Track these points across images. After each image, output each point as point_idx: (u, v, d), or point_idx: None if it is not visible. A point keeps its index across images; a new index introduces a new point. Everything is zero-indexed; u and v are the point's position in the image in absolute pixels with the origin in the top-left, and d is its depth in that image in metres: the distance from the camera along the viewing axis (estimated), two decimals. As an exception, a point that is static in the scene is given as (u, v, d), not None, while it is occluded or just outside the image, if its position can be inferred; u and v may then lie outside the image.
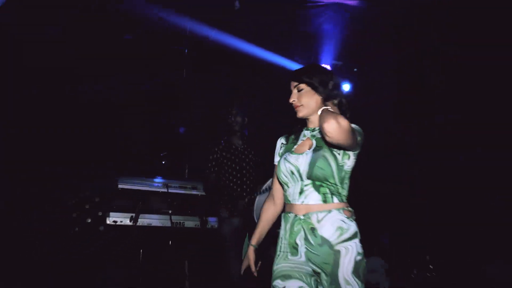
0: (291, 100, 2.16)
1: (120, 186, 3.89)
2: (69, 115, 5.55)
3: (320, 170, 2.02)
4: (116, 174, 4.03)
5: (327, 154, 2.03)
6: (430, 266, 5.13)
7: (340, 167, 2.04)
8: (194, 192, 4.20)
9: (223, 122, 4.15)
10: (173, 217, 4.17)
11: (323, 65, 2.31)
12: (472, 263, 5.08)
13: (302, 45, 6.22)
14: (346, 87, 6.87)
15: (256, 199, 3.34)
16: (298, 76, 2.15)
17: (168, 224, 4.13)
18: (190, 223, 4.31)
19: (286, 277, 2.04)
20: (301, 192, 2.06)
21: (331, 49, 6.35)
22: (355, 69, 6.73)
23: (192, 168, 5.44)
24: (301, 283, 2.02)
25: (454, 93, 5.89)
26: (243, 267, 2.32)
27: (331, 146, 2.02)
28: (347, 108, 2.13)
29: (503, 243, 4.98)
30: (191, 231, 4.41)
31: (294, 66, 6.05)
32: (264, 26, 5.76)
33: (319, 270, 1.99)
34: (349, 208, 2.08)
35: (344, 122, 1.80)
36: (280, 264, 2.08)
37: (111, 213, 4.04)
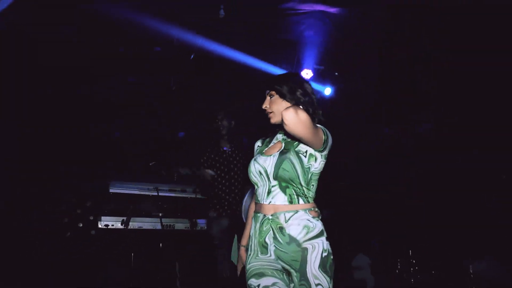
0: (263, 107, 2.25)
1: (111, 190, 3.97)
2: (58, 117, 5.59)
3: (285, 172, 2.08)
4: (108, 178, 4.10)
5: (293, 157, 2.09)
6: (412, 260, 5.25)
7: (306, 170, 2.10)
8: (184, 195, 4.30)
9: (211, 127, 4.26)
10: (163, 220, 4.28)
11: (299, 74, 2.39)
12: (459, 261, 5.22)
13: (285, 52, 6.36)
14: (327, 91, 7.04)
15: (244, 200, 3.45)
16: (270, 84, 2.25)
17: (159, 226, 4.23)
18: (180, 225, 4.43)
19: (259, 275, 2.10)
20: (269, 192, 2.13)
21: (312, 54, 6.51)
22: (336, 73, 6.89)
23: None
24: (275, 279, 2.09)
25: (445, 97, 6.07)
26: (239, 268, 2.37)
27: (294, 139, 2.12)
28: (314, 114, 2.18)
29: (494, 242, 5.11)
30: (181, 233, 4.53)
31: (277, 72, 6.18)
32: (247, 34, 5.89)
33: (287, 267, 2.05)
34: (316, 209, 2.13)
35: (302, 114, 1.89)
36: (252, 263, 2.14)
37: (102, 217, 4.12)
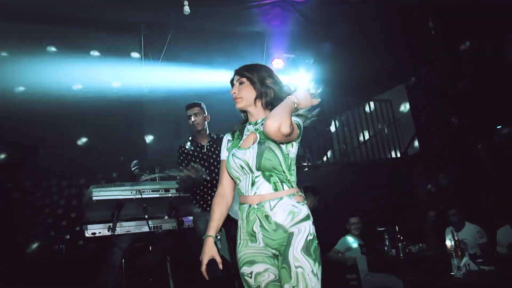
0: (232, 92, 2.32)
1: (94, 198, 3.92)
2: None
3: (268, 161, 2.13)
4: (88, 185, 4.06)
5: (272, 145, 2.15)
6: (399, 236, 5.34)
7: (285, 156, 2.16)
8: (167, 194, 4.28)
9: (187, 123, 4.23)
10: (150, 222, 4.26)
11: (267, 65, 2.43)
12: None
13: (253, 44, 6.39)
14: (306, 77, 7.09)
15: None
16: (241, 71, 2.33)
17: (146, 229, 4.21)
18: (167, 225, 4.41)
19: (251, 262, 2.16)
20: (253, 183, 2.17)
21: (281, 44, 6.55)
22: (312, 61, 6.93)
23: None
24: (266, 266, 2.15)
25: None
26: (207, 258, 2.28)
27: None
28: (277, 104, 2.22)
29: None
30: (169, 233, 4.53)
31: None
32: (212, 28, 5.92)
33: (277, 253, 2.13)
34: (300, 194, 2.19)
35: (285, 127, 1.99)
36: (243, 252, 2.20)
37: (88, 226, 4.08)
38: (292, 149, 2.19)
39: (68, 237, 5.51)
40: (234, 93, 2.30)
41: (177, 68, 6.35)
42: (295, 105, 2.15)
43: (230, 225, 3.21)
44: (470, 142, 6.43)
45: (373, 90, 8.51)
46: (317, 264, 2.06)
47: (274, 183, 2.15)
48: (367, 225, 5.80)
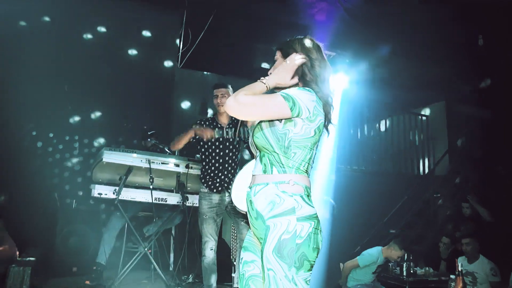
0: (269, 71, 2.11)
1: (104, 159, 3.93)
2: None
3: (257, 139, 1.94)
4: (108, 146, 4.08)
5: (263, 122, 1.92)
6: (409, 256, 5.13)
7: (281, 135, 1.88)
8: (176, 169, 4.24)
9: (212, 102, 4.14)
10: (156, 193, 4.25)
11: (309, 37, 2.09)
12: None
13: (293, 35, 6.22)
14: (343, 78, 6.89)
15: (236, 178, 3.36)
16: (279, 44, 2.11)
17: (150, 199, 4.19)
18: (172, 199, 4.40)
19: (245, 248, 2.01)
20: (256, 163, 2.00)
21: (323, 40, 6.35)
22: (348, 61, 6.73)
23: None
24: (254, 257, 1.96)
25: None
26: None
27: None
28: (305, 76, 1.99)
29: None
30: (173, 207, 4.51)
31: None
32: (255, 14, 5.81)
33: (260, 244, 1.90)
34: (293, 183, 1.85)
35: (242, 97, 1.80)
36: (246, 235, 2.06)
37: (96, 186, 4.10)
38: (295, 129, 1.86)
39: (81, 193, 5.58)
40: (270, 72, 2.09)
41: (213, 49, 6.32)
42: (267, 87, 1.92)
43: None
44: (503, 177, 6.07)
45: (412, 103, 8.20)
46: (293, 269, 1.73)
47: (265, 164, 1.91)
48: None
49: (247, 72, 6.28)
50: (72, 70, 5.70)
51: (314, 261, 1.80)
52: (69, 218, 4.84)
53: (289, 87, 2.00)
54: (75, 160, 5.73)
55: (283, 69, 1.98)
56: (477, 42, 5.43)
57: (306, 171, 1.91)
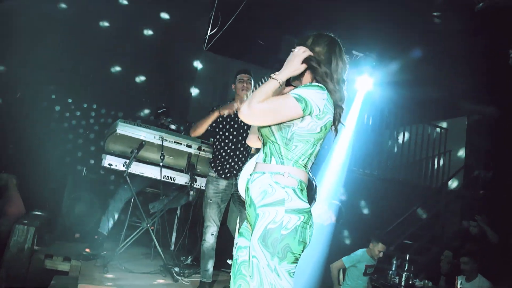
0: None
1: (118, 131, 3.94)
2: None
3: (261, 129, 1.98)
4: (124, 119, 4.09)
5: None
6: (410, 266, 5.08)
7: (284, 127, 1.91)
8: (188, 150, 4.23)
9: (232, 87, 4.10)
10: (165, 171, 4.25)
11: (328, 35, 2.09)
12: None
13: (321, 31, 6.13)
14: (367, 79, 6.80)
15: (245, 166, 3.33)
16: (298, 40, 2.10)
17: (159, 176, 4.20)
18: (181, 179, 4.40)
19: (240, 234, 2.05)
20: (260, 150, 2.05)
21: (352, 39, 6.24)
22: (374, 64, 6.63)
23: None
24: (248, 242, 1.97)
25: None
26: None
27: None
28: (319, 74, 1.98)
29: None
30: (181, 187, 4.51)
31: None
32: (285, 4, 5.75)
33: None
34: (288, 175, 1.88)
35: (255, 105, 1.82)
36: (244, 222, 2.09)
37: (107, 156, 4.12)
38: (301, 123, 1.89)
39: (92, 162, 5.63)
40: None
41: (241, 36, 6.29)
42: (279, 83, 1.91)
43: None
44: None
45: (433, 113, 8.06)
46: (276, 259, 1.76)
47: (266, 153, 1.96)
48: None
49: (271, 62, 6.24)
50: (98, 44, 5.76)
51: (300, 255, 1.84)
52: (78, 185, 4.90)
53: (300, 81, 2.04)
54: (90, 128, 5.77)
55: (290, 62, 1.98)
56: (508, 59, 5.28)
57: (305, 166, 1.94)
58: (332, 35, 2.10)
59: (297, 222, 1.80)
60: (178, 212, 5.51)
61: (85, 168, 5.46)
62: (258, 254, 1.78)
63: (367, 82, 6.98)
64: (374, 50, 6.57)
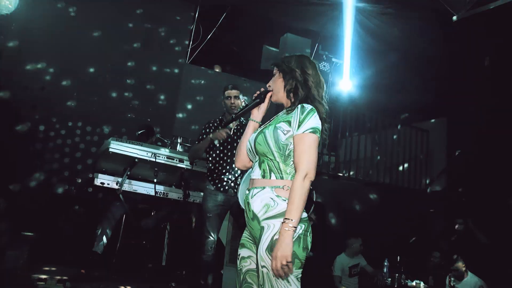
0: (267, 85, 2.29)
1: (110, 149, 4.01)
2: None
3: (259, 146, 2.09)
4: (110, 136, 4.15)
5: (268, 130, 2.09)
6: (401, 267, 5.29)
7: (282, 145, 2.06)
8: (180, 165, 4.33)
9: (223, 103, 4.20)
10: (158, 187, 4.34)
11: (307, 56, 2.29)
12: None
13: (302, 41, 6.32)
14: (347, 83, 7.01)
15: (242, 181, 3.43)
16: (276, 61, 2.27)
17: (152, 192, 4.28)
18: (174, 194, 4.49)
19: (241, 245, 2.17)
20: (253, 167, 2.16)
21: (333, 48, 6.47)
22: (354, 70, 6.85)
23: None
24: (250, 253, 2.11)
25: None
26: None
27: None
28: (309, 96, 2.15)
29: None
30: (174, 203, 4.59)
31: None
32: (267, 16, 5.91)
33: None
34: (287, 187, 2.02)
35: (311, 175, 1.98)
36: (243, 234, 2.20)
37: (99, 175, 4.18)
38: None
39: (79, 181, 5.64)
40: (269, 86, 2.28)
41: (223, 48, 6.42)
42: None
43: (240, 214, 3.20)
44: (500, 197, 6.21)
45: (414, 116, 8.31)
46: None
47: (264, 169, 2.08)
48: (370, 248, 5.72)
49: (254, 73, 6.40)
50: (80, 59, 5.81)
51: (304, 260, 1.98)
52: (66, 205, 4.92)
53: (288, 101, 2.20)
54: (76, 147, 5.78)
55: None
56: (483, 63, 5.59)
57: None
58: (308, 56, 2.30)
59: (300, 231, 1.96)
60: (168, 226, 5.57)
61: (73, 188, 5.48)
62: (268, 264, 1.92)
63: (347, 86, 7.22)
64: (354, 56, 6.80)
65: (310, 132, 2.03)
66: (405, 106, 7.86)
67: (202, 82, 6.57)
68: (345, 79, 7.12)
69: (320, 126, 2.07)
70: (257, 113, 2.33)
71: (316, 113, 2.08)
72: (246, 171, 2.38)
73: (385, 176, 7.80)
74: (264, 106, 2.31)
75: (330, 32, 6.23)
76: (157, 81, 6.35)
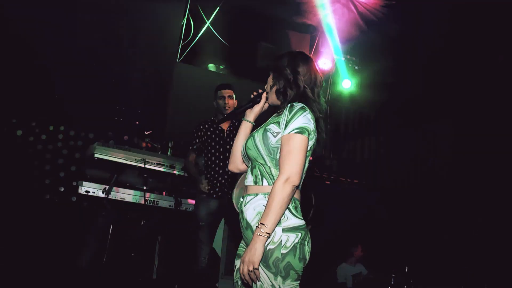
0: (265, 87, 2.27)
1: (96, 155, 3.98)
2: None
3: (249, 151, 2.09)
4: (96, 140, 4.11)
5: (258, 134, 2.09)
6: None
7: (273, 149, 2.04)
8: (171, 171, 4.31)
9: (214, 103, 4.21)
10: (147, 195, 4.31)
11: (302, 52, 2.27)
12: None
13: (301, 36, 6.33)
14: (345, 83, 7.01)
15: (236, 185, 3.43)
16: (271, 61, 2.27)
17: (142, 201, 4.26)
18: (165, 202, 4.46)
19: (238, 256, 2.16)
20: (247, 172, 2.17)
21: (333, 44, 6.47)
22: (356, 67, 6.86)
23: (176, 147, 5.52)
24: None
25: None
26: None
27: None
28: (297, 96, 2.12)
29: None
30: (164, 211, 4.56)
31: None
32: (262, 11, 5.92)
33: None
34: None
35: (294, 178, 1.91)
36: (240, 244, 2.19)
37: (84, 183, 4.15)
38: None
39: (62, 189, 5.59)
40: (266, 87, 2.26)
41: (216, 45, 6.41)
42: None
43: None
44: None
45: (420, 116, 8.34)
46: (279, 278, 1.89)
47: (256, 175, 2.07)
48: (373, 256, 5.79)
49: (249, 71, 6.39)
50: (64, 58, 5.76)
51: (301, 271, 1.97)
52: (48, 215, 4.87)
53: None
54: (58, 152, 5.72)
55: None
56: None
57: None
58: (304, 52, 2.29)
59: (296, 240, 1.94)
60: (159, 237, 5.53)
61: (55, 197, 5.44)
62: (261, 276, 1.90)
63: (347, 85, 7.23)
64: (356, 53, 6.81)
65: (296, 132, 1.97)
66: (409, 105, 7.88)
67: (195, 81, 6.54)
68: (347, 77, 7.14)
69: (310, 126, 2.01)
70: (250, 113, 2.33)
71: (306, 112, 2.04)
72: (241, 174, 2.36)
73: (390, 180, 7.82)
74: (258, 107, 2.31)
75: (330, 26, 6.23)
76: (146, 81, 6.30)
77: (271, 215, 1.87)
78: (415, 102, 7.43)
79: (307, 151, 2.00)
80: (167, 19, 6.49)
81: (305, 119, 2.01)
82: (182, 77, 6.62)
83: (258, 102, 2.29)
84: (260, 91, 2.31)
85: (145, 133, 5.01)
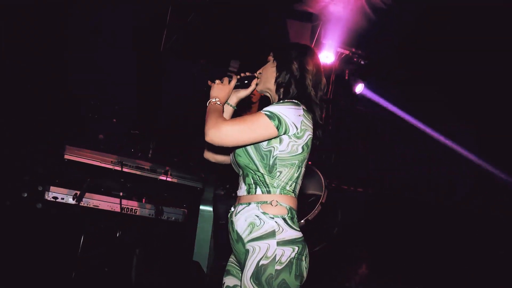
0: (257, 72, 2.32)
1: (66, 156, 3.93)
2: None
3: (240, 158, 2.10)
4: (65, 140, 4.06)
5: None
6: None
7: (265, 154, 2.04)
8: (153, 176, 4.27)
9: None
10: (124, 202, 4.26)
11: (310, 48, 2.31)
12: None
13: (301, 26, 6.30)
14: (358, 88, 7.01)
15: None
16: (273, 47, 2.30)
17: (118, 209, 4.21)
18: (144, 211, 4.41)
19: (227, 272, 2.17)
20: (239, 182, 2.18)
21: (337, 35, 6.44)
22: (362, 62, 6.84)
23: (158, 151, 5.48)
24: (236, 281, 2.12)
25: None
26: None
27: None
28: (299, 95, 2.17)
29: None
30: (143, 221, 4.51)
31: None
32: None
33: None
34: (276, 203, 2.02)
35: (226, 128, 1.95)
36: (230, 258, 2.21)
37: (51, 187, 4.10)
38: (281, 146, 2.04)
39: (25, 195, 5.51)
40: (260, 73, 2.29)
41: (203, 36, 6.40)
42: (219, 103, 2.12)
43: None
44: None
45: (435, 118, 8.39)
46: None
47: (249, 184, 2.09)
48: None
49: (244, 64, 6.36)
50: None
51: None
52: (7, 226, 4.78)
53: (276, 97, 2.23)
54: (22, 153, 5.65)
55: (223, 88, 2.24)
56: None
57: (293, 191, 2.09)
58: (312, 47, 2.33)
59: (292, 254, 1.92)
60: (137, 250, 5.49)
61: (16, 204, 5.36)
62: None
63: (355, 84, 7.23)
64: (364, 46, 6.80)
65: (266, 113, 2.00)
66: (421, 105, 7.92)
67: (184, 76, 6.50)
68: (352, 73, 7.13)
69: (286, 120, 2.01)
70: (233, 96, 2.35)
71: (292, 104, 2.04)
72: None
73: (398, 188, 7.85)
74: (244, 93, 2.33)
75: (335, 16, 6.21)
76: (125, 74, 6.25)
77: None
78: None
79: (264, 138, 2.01)
80: (155, 9, 6.47)
81: (284, 109, 2.02)
82: (170, 71, 6.60)
83: (247, 87, 2.28)
84: (248, 73, 2.29)
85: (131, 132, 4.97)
